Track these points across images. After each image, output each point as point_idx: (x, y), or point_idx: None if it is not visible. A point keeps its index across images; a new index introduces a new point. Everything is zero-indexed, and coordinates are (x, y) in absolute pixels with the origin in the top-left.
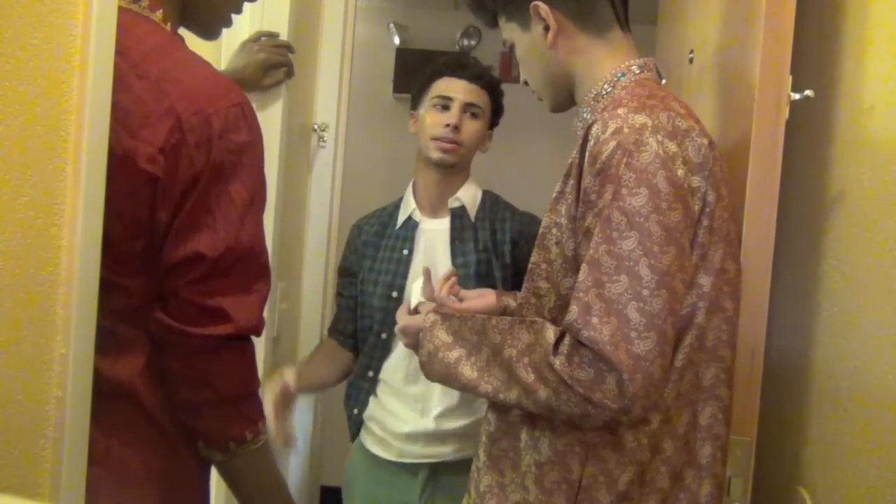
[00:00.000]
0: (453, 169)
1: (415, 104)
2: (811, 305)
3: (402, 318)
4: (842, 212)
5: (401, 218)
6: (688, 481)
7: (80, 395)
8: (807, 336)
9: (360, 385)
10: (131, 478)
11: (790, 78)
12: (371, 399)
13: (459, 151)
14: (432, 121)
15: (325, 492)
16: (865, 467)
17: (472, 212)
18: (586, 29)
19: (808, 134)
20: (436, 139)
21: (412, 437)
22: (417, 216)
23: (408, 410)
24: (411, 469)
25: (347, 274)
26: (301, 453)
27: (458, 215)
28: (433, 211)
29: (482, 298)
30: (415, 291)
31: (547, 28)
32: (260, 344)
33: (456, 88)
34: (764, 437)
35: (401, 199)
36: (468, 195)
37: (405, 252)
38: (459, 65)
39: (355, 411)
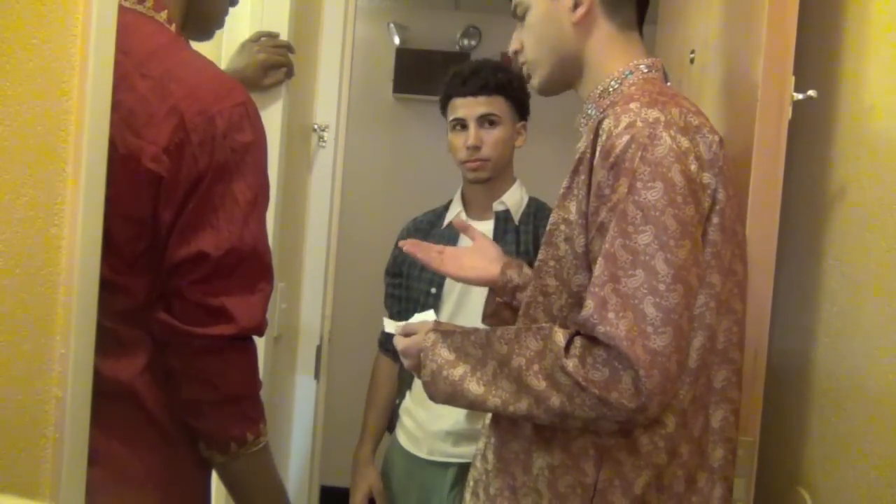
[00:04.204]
0: (492, 179)
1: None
2: (811, 305)
3: (401, 342)
4: (842, 212)
5: (448, 218)
6: (700, 484)
7: (80, 395)
8: (807, 336)
9: (402, 377)
10: (131, 478)
11: (793, 78)
12: (407, 392)
13: (488, 166)
14: (455, 144)
15: (325, 492)
16: (865, 467)
17: (517, 215)
18: (613, 20)
19: (809, 134)
20: (463, 162)
21: (442, 435)
22: (463, 217)
23: (440, 406)
24: (441, 466)
25: (395, 274)
26: (301, 453)
27: (502, 218)
28: (479, 213)
29: (482, 257)
30: (389, 324)
31: (577, 4)
32: (260, 344)
33: (467, 106)
34: (764, 437)
35: (451, 201)
36: (513, 199)
37: None
38: (463, 81)
39: (396, 401)
